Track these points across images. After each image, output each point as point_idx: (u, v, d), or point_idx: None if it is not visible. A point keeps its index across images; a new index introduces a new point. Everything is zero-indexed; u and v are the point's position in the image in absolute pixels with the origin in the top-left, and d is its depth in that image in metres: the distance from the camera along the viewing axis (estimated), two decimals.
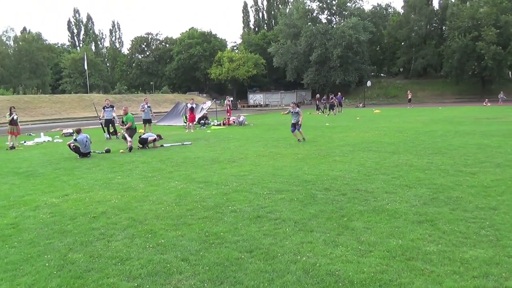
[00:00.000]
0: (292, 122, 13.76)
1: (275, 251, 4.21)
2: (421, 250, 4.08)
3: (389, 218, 5.09)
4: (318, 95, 36.32)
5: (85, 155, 11.66)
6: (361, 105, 47.90)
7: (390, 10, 65.85)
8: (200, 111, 24.56)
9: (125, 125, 13.74)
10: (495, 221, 4.84)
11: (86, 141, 11.69)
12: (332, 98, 32.61)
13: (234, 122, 23.27)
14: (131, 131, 13.68)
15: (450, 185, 6.61)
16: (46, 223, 5.47)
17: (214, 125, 23.04)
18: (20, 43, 65.42)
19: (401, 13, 61.78)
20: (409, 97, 40.03)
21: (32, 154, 13.13)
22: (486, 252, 3.98)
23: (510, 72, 49.17)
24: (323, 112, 33.40)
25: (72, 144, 11.65)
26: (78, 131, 12.13)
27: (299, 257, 4.04)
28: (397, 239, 4.38)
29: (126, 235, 4.89)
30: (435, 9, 59.79)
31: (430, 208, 5.46)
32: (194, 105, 20.87)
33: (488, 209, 5.31)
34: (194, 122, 20.77)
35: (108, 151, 12.39)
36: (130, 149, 12.80)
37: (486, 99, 38.69)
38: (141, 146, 13.41)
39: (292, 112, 13.75)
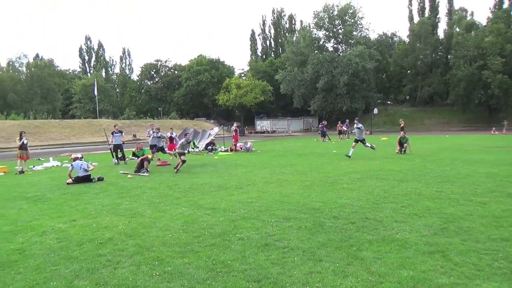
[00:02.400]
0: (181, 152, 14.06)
1: (283, 281, 4.14)
2: (433, 282, 3.99)
3: (399, 248, 5.00)
4: (325, 122, 36.50)
5: (85, 179, 11.75)
6: (368, 132, 47.93)
7: (395, 38, 66.85)
8: (208, 137, 24.67)
9: (138, 157, 14.41)
10: (508, 253, 4.73)
11: (81, 164, 11.93)
12: (321, 125, 33.54)
13: (241, 148, 23.32)
14: (148, 161, 14.11)
15: (461, 215, 6.52)
16: (53, 249, 5.45)
17: (221, 151, 23.09)
18: (32, 69, 66.98)
19: (407, 42, 62.59)
20: (402, 125, 40.10)
21: (40, 178, 13.20)
22: (501, 285, 3.88)
23: None
24: (342, 138, 34.08)
25: (70, 171, 11.95)
26: (74, 159, 12.44)
27: (308, 287, 3.96)
28: (408, 270, 4.29)
29: (132, 262, 4.84)
30: (440, 38, 60.63)
31: (441, 238, 5.36)
32: (173, 135, 20.31)
33: (501, 240, 5.21)
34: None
35: (101, 178, 12.14)
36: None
37: (494, 128, 38.55)
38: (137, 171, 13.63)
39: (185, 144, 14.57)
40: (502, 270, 4.23)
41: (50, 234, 6.20)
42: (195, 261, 4.79)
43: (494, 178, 10.12)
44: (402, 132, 19.82)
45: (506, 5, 57.78)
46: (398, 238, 5.38)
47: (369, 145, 16.91)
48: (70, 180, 11.58)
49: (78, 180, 11.62)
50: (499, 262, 4.45)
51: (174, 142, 19.63)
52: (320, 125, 33.93)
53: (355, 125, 17.49)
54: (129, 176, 12.84)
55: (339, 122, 36.75)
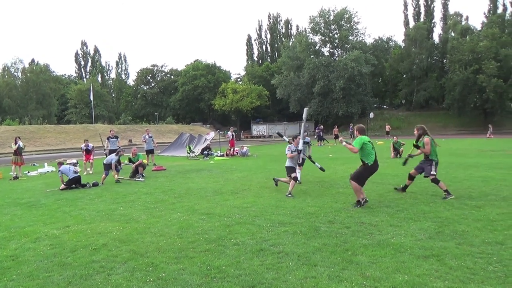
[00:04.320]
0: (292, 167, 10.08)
1: (278, 286, 4.12)
2: (428, 287, 3.97)
3: (394, 253, 4.99)
4: (321, 126, 36.61)
5: (77, 181, 11.71)
6: None
7: (391, 43, 67.13)
8: (204, 142, 24.65)
9: (134, 163, 14.24)
10: (502, 256, 4.73)
11: (69, 168, 11.87)
12: (318, 129, 34.23)
13: (237, 153, 23.30)
14: (143, 166, 14.12)
15: (456, 219, 6.52)
16: (46, 255, 5.40)
17: (217, 155, 23.06)
18: (28, 74, 66.63)
19: (402, 46, 62.96)
20: (387, 130, 40.37)
21: (35, 184, 13.12)
22: None
23: None
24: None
25: (61, 177, 11.77)
26: (60, 164, 12.30)
27: None
28: (403, 275, 4.28)
29: (126, 268, 4.81)
30: (436, 43, 61.04)
31: (436, 242, 5.36)
32: (89, 147, 16.94)
33: (495, 243, 5.21)
34: (91, 160, 16.78)
35: (95, 184, 12.07)
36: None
37: (489, 131, 38.72)
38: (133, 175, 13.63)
39: None
40: (496, 274, 4.23)
41: (43, 240, 6.15)
42: (189, 266, 4.76)
43: (490, 182, 10.15)
44: (394, 137, 19.88)
45: (500, 10, 58.32)
46: (393, 243, 5.37)
47: (319, 166, 10.92)
48: (63, 186, 11.52)
49: (70, 183, 11.56)
50: (494, 266, 4.45)
51: (90, 154, 16.86)
52: (316, 130, 34.14)
53: (301, 139, 10.16)
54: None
55: (336, 126, 36.93)
